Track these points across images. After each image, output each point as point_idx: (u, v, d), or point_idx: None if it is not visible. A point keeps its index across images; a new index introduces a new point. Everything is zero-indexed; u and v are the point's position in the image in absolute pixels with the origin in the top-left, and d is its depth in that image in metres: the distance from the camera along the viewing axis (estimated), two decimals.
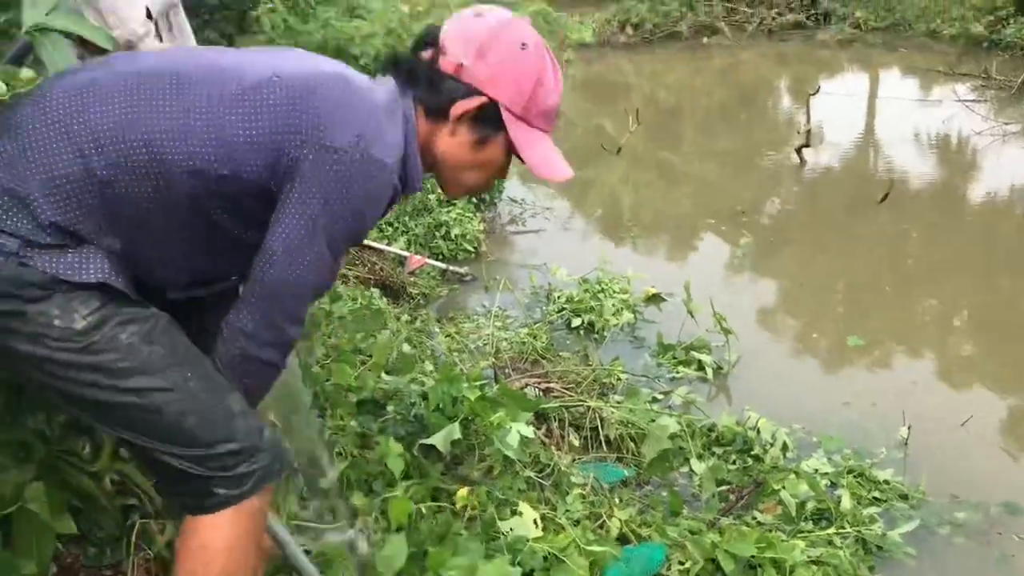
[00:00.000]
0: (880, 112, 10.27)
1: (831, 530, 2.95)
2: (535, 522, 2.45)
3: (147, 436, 1.53)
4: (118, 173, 1.47)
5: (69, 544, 2.09)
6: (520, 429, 2.62)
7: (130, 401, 1.50)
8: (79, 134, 1.45)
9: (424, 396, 2.88)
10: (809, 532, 2.94)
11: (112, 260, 1.50)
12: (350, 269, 4.95)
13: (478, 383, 2.78)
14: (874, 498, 3.24)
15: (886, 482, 3.32)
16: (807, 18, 14.83)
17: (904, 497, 3.26)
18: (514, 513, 2.49)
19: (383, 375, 3.08)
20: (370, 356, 3.11)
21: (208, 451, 1.53)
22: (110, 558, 2.12)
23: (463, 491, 2.49)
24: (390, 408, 2.86)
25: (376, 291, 4.70)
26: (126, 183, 1.48)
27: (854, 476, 3.34)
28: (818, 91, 8.37)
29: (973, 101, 9.91)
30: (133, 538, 2.12)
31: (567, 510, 2.63)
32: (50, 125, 1.46)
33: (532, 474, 2.73)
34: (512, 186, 7.24)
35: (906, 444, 3.62)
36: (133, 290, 1.55)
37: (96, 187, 1.46)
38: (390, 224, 5.76)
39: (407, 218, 5.84)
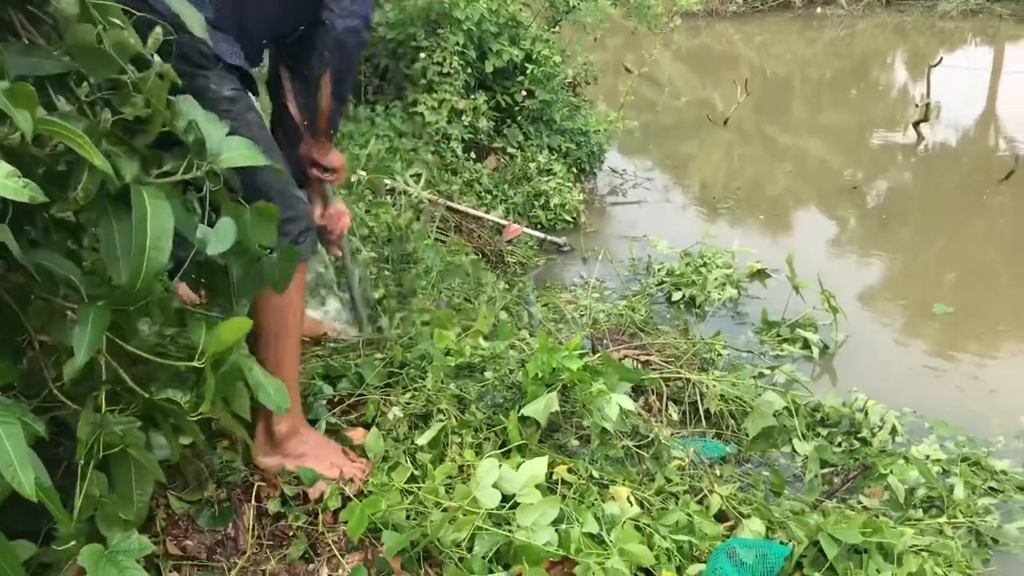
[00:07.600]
0: (1005, 88, 9.73)
1: (942, 519, 2.81)
2: (629, 500, 2.40)
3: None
4: None
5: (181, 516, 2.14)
6: (620, 400, 2.57)
7: None
8: None
9: (522, 363, 2.85)
10: (918, 520, 2.80)
11: (239, 48, 2.10)
12: (446, 235, 4.96)
13: (577, 352, 2.74)
14: (990, 488, 3.07)
15: (1003, 472, 3.15)
16: None
17: (1023, 489, 3.09)
18: (606, 487, 2.44)
19: (481, 340, 3.07)
20: (473, 320, 3.10)
21: (282, 220, 1.89)
22: (221, 520, 2.16)
23: (561, 468, 2.45)
24: (488, 374, 2.84)
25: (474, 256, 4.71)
26: None
27: (968, 465, 3.17)
28: (939, 62, 7.96)
29: None
30: (251, 502, 2.17)
31: (667, 479, 2.57)
32: None
33: (630, 444, 2.68)
34: (612, 156, 7.14)
35: None
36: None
37: None
38: (489, 192, 5.74)
39: (507, 187, 5.81)
